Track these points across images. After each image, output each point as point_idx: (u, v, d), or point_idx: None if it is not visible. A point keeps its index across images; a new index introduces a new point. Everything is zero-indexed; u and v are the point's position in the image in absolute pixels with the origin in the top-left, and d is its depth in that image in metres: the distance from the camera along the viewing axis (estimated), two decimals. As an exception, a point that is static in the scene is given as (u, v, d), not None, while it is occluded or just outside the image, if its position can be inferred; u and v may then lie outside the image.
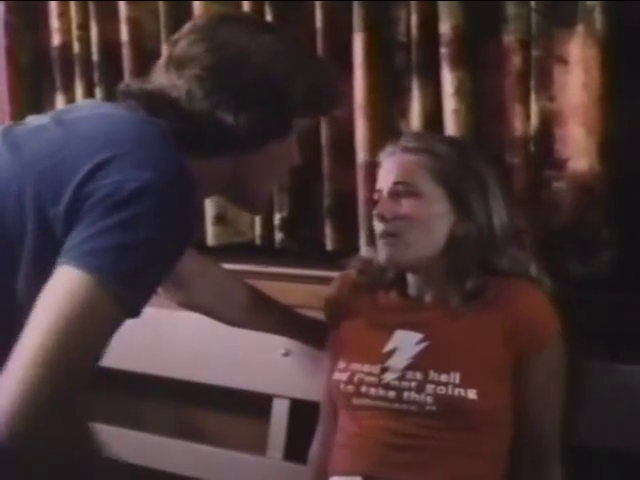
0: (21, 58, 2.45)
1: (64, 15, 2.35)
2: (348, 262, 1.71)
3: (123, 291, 1.10)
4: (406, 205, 1.54)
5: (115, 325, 1.12)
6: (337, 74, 1.44)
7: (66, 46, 2.35)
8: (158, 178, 1.13)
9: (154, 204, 1.12)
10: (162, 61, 1.31)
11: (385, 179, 1.58)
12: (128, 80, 1.43)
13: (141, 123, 1.24)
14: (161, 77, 1.29)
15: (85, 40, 2.31)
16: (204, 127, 1.25)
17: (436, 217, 1.54)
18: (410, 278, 1.62)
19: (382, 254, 1.57)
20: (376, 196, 1.60)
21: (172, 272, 1.23)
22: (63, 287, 1.09)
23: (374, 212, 1.58)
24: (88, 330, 1.09)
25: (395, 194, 1.55)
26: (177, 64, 1.27)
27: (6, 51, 2.44)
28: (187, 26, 1.33)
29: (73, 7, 2.33)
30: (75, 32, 2.33)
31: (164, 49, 1.33)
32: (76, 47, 2.33)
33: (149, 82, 1.31)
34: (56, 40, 2.37)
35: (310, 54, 1.38)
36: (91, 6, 2.29)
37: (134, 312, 1.13)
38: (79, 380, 1.10)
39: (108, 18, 2.26)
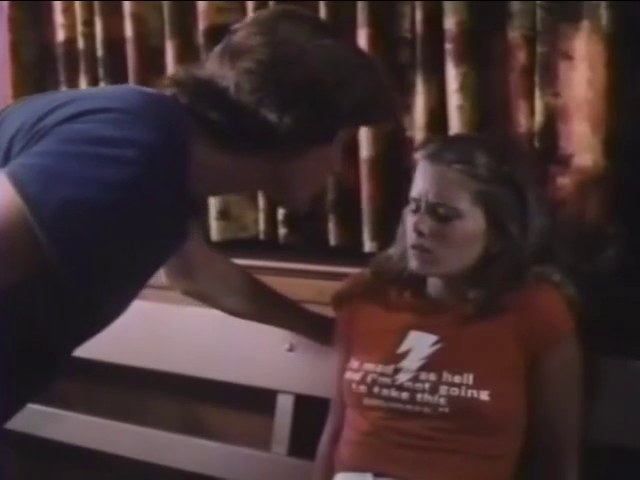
0: (25, 54, 2.45)
1: (68, 11, 2.35)
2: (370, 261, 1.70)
3: (39, 213, 1.04)
4: (444, 225, 1.52)
5: (26, 259, 1.06)
6: (393, 86, 1.40)
7: (70, 42, 2.36)
8: (139, 140, 1.10)
9: (119, 156, 1.09)
10: (218, 49, 1.28)
11: (423, 191, 1.54)
12: (180, 66, 1.41)
13: (148, 96, 1.21)
14: (214, 65, 1.26)
15: (89, 36, 2.31)
16: (246, 122, 1.22)
17: (473, 237, 1.53)
18: (432, 280, 1.61)
19: (413, 263, 1.56)
20: (413, 206, 1.55)
21: (126, 255, 1.16)
22: None
23: (412, 225, 1.54)
24: None
25: (434, 212, 1.53)
26: (232, 54, 1.24)
27: (10, 47, 2.44)
28: (249, 17, 1.30)
29: (77, 3, 2.33)
30: (79, 28, 2.33)
31: (225, 38, 1.30)
32: (80, 43, 2.33)
33: (201, 68, 1.28)
34: (60, 36, 2.37)
35: (369, 64, 1.32)
36: (95, 2, 2.29)
37: (50, 255, 1.06)
38: None
39: (112, 14, 2.26)
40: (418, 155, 1.58)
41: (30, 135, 1.14)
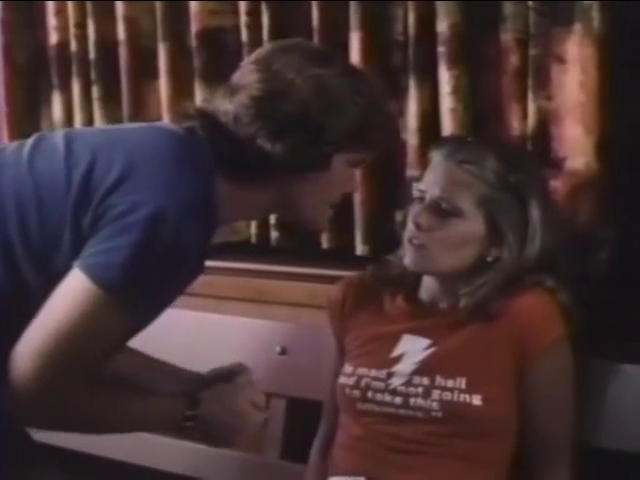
0: (18, 57, 2.45)
1: (61, 13, 2.34)
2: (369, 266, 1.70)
3: (128, 306, 1.26)
4: (444, 222, 1.53)
5: (119, 333, 1.29)
6: (388, 110, 1.47)
7: (63, 45, 2.35)
8: (174, 206, 1.26)
9: (166, 230, 1.25)
10: (226, 84, 1.41)
11: (431, 186, 1.55)
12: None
13: (178, 140, 1.36)
14: (218, 101, 1.39)
15: (82, 39, 2.31)
16: (246, 152, 1.34)
17: (470, 239, 1.54)
18: (427, 282, 1.61)
19: (408, 259, 1.56)
20: (417, 194, 1.57)
21: (180, 293, 1.37)
22: (74, 293, 1.24)
23: (412, 217, 1.55)
24: (91, 338, 1.25)
25: (436, 206, 1.53)
26: (232, 90, 1.37)
27: (3, 49, 2.43)
28: (253, 54, 1.42)
29: (70, 5, 2.32)
30: (72, 30, 2.32)
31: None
32: (73, 45, 2.32)
33: (210, 104, 1.42)
34: (53, 39, 2.37)
35: (361, 88, 1.38)
36: (88, 4, 2.28)
37: (140, 325, 1.32)
38: (80, 371, 1.26)
39: (105, 16, 2.26)
40: (433, 152, 1.59)
41: (89, 197, 1.28)
